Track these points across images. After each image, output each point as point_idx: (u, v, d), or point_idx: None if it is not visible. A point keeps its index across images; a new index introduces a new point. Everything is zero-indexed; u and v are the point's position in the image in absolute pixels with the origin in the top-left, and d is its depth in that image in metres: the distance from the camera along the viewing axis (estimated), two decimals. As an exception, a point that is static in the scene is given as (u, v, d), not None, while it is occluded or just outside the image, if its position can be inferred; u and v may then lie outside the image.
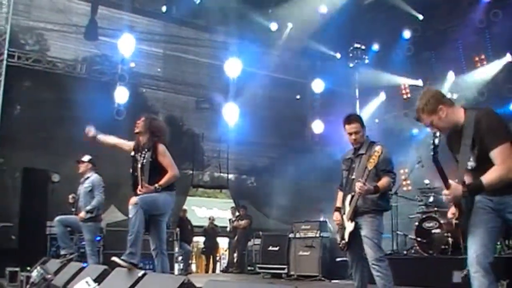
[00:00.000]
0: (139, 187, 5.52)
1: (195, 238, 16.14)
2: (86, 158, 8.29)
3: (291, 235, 10.88)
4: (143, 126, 5.76)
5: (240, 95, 16.35)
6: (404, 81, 15.86)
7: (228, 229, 15.15)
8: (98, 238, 9.28)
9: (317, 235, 10.31)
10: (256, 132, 16.90)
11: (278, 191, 17.29)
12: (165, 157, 5.60)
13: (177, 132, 17.05)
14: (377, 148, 4.96)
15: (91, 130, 6.31)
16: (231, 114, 16.08)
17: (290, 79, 17.68)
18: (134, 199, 5.35)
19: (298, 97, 18.41)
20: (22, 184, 11.44)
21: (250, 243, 13.39)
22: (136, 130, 5.80)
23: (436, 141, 3.41)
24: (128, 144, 6.00)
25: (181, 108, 17.88)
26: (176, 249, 12.67)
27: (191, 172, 17.45)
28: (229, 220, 15.14)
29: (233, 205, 16.55)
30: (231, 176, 18.42)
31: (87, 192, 7.98)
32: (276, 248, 11.12)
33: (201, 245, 16.56)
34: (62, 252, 7.82)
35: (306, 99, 18.07)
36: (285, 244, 10.89)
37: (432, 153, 3.41)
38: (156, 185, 5.46)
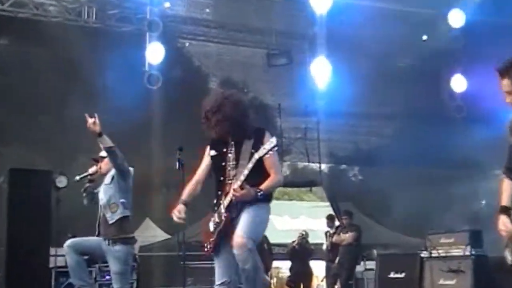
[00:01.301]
0: (234, 186, 5.50)
1: (276, 263, 16.28)
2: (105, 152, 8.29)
3: (424, 254, 10.99)
4: (224, 112, 5.56)
5: (334, 43, 16.20)
6: None
7: (324, 247, 15.04)
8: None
9: (467, 252, 10.26)
10: (360, 97, 16.89)
11: (398, 186, 17.56)
12: (273, 153, 5.63)
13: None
14: None
15: None
16: (321, 72, 16.02)
17: (411, 11, 17.28)
18: (240, 240, 5.32)
19: (425, 38, 18.12)
20: (9, 193, 11.10)
21: (359, 268, 13.67)
22: (212, 124, 5.61)
23: None
24: (204, 169, 5.97)
25: (244, 67, 17.98)
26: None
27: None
28: (326, 233, 15.02)
29: (330, 210, 16.51)
30: (324, 166, 18.63)
31: (108, 187, 7.95)
32: (401, 275, 11.32)
33: (286, 273, 16.59)
34: (77, 292, 7.89)
35: (438, 42, 17.71)
36: (416, 268, 11.03)
37: None
38: (257, 189, 5.48)
